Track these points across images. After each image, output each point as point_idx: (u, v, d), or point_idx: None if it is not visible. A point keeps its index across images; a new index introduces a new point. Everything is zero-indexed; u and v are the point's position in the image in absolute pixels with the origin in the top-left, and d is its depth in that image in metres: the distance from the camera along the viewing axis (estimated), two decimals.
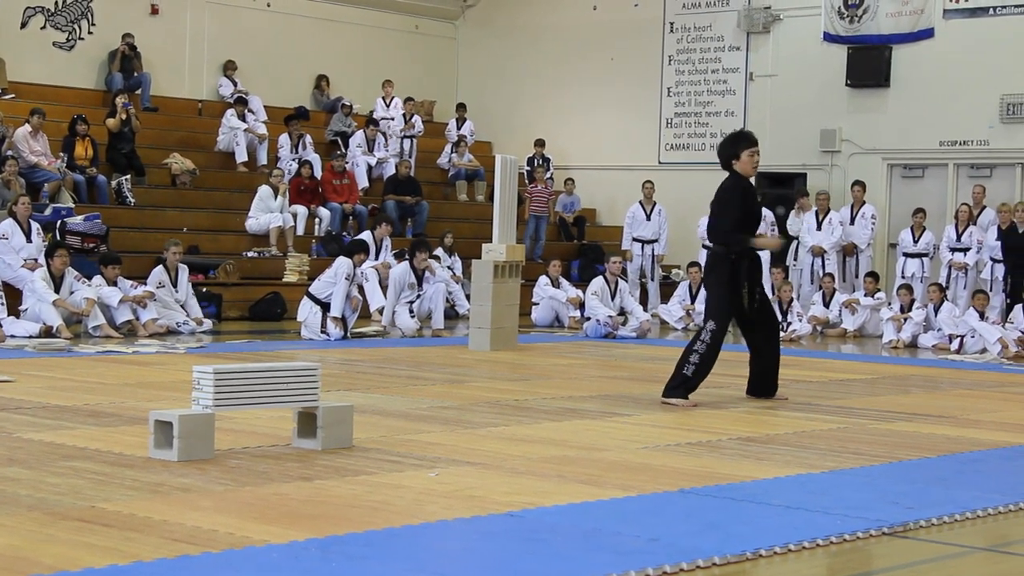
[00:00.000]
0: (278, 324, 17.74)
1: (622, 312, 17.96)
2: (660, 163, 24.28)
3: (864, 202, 20.85)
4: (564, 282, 19.62)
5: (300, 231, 20.44)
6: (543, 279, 19.36)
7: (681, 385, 10.15)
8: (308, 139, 22.37)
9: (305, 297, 15.96)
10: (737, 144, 10.42)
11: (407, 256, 17.68)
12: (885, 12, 21.81)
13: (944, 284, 19.25)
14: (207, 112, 23.12)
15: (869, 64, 21.88)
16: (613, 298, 17.96)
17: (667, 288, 21.90)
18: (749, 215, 10.39)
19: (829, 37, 22.38)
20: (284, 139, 22.17)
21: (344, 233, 20.71)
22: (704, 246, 21.00)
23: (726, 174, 10.52)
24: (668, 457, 7.70)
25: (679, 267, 22.34)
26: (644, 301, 21.43)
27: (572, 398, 10.53)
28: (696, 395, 10.28)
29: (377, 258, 18.83)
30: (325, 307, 15.67)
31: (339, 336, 15.54)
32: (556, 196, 24.40)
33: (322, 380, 7.69)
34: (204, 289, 17.63)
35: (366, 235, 19.10)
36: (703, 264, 11.02)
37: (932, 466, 7.74)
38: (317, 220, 20.96)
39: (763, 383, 10.67)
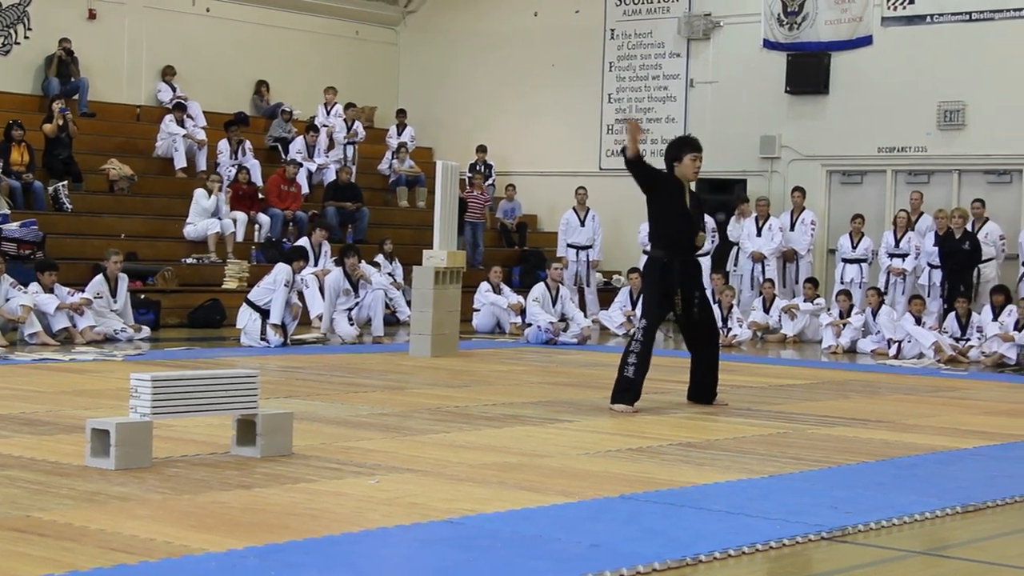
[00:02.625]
0: (217, 331, 17.64)
1: (563, 318, 17.99)
2: (601, 169, 24.34)
3: (804, 208, 20.99)
4: (505, 288, 19.61)
5: (240, 237, 20.34)
6: (484, 285, 19.35)
7: (627, 390, 10.21)
8: (248, 145, 22.26)
9: (244, 304, 15.87)
10: (681, 148, 10.59)
11: (338, 262, 17.64)
12: (824, 19, 21.97)
13: (883, 289, 19.42)
14: (145, 118, 22.95)
15: (808, 71, 22.04)
16: (554, 304, 17.99)
17: (606, 294, 21.97)
18: (668, 206, 10.46)
19: (769, 44, 22.52)
20: (223, 145, 22.05)
21: (284, 239, 20.63)
22: (645, 251, 21.09)
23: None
24: (609, 463, 7.72)
25: (620, 273, 22.41)
26: (582, 307, 21.46)
27: (513, 404, 10.53)
28: (638, 401, 10.31)
29: (317, 264, 18.77)
30: (264, 314, 15.59)
31: (279, 343, 15.47)
32: (495, 202, 24.41)
33: (261, 387, 7.65)
34: (142, 296, 17.51)
35: (303, 241, 19.04)
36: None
37: (870, 471, 7.81)
38: (257, 226, 20.87)
39: (703, 389, 10.73)
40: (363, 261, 17.93)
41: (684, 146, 10.58)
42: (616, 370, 10.33)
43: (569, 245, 22.25)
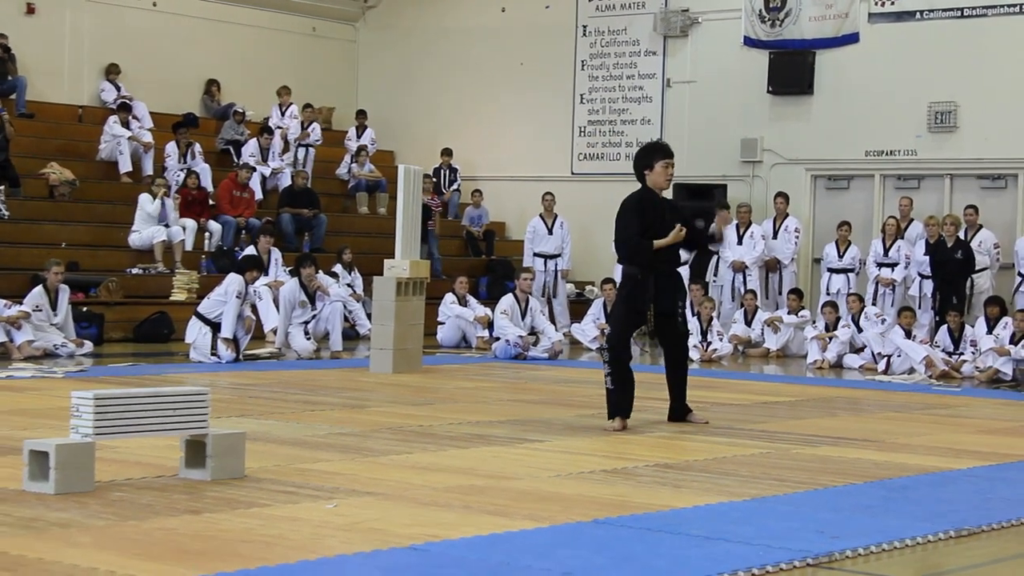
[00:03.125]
0: (165, 346, 17.59)
1: (533, 332, 17.99)
2: (573, 174, 24.37)
3: (787, 215, 21.06)
4: (472, 300, 19.61)
5: (188, 246, 20.28)
6: (449, 297, 19.34)
7: (611, 403, 10.33)
8: (197, 148, 22.20)
9: (194, 317, 15.83)
10: (651, 155, 10.56)
11: (294, 272, 17.60)
12: (808, 16, 22.06)
13: (872, 301, 19.49)
14: (88, 119, 22.86)
15: (792, 70, 22.11)
16: (524, 317, 17.99)
17: (576, 306, 21.99)
18: (650, 230, 10.43)
19: (750, 42, 22.59)
20: (171, 148, 21.98)
21: (236, 248, 20.57)
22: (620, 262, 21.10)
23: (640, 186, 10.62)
24: (581, 485, 7.72)
25: (593, 284, 22.43)
26: (551, 320, 21.47)
27: (480, 423, 10.53)
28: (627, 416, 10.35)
29: (268, 274, 18.73)
30: (215, 327, 15.55)
31: (230, 358, 15.42)
32: (460, 209, 24.41)
33: (212, 406, 7.63)
34: (84, 309, 17.44)
35: (252, 249, 19.01)
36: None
37: (858, 493, 7.82)
38: (207, 234, 20.81)
39: (676, 404, 10.79)
40: (320, 271, 17.89)
41: (655, 152, 10.58)
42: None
43: (536, 254, 22.27)
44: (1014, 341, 16.60)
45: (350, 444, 9.13)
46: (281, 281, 18.38)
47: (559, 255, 22.26)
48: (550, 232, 22.32)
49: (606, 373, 10.36)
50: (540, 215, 22.45)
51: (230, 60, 24.92)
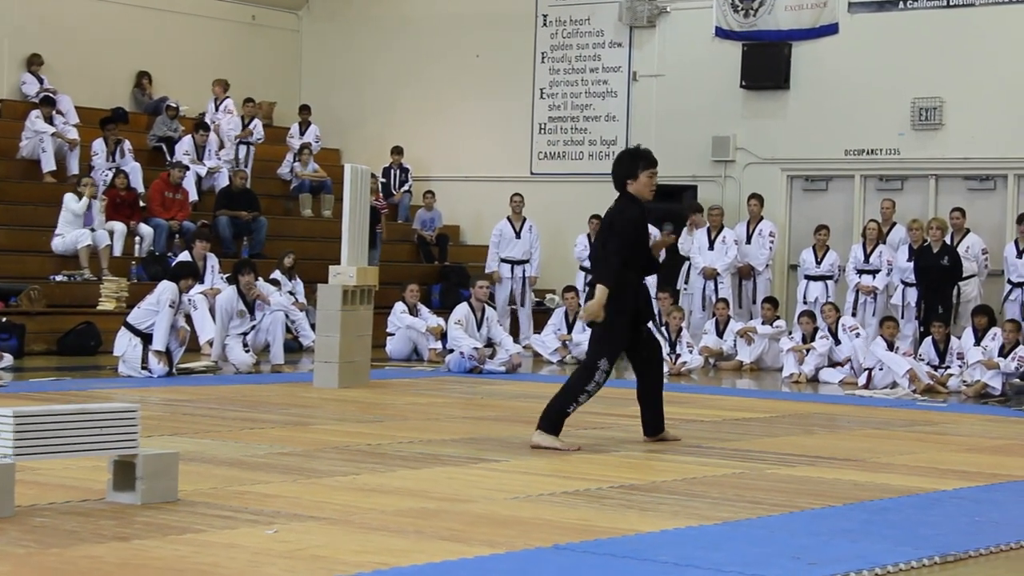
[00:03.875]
0: (91, 359, 17.50)
1: (489, 343, 17.99)
2: (532, 174, 24.40)
3: (761, 218, 21.13)
4: (423, 309, 19.59)
5: (117, 251, 20.19)
6: (399, 306, 19.32)
7: (559, 424, 10.27)
8: (127, 145, 22.11)
9: (123, 328, 15.75)
10: (635, 162, 10.57)
11: (232, 280, 17.56)
12: (784, 5, 22.14)
13: (852, 310, 19.57)
14: (8, 114, 22.74)
15: (766, 63, 22.19)
16: (479, 327, 17.99)
17: (541, 316, 21.99)
18: (637, 246, 10.47)
19: (722, 33, 22.68)
20: (99, 145, 21.88)
21: (169, 254, 20.50)
22: (582, 268, 21.14)
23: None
24: (541, 508, 7.72)
25: (554, 292, 22.45)
26: (515, 331, 21.49)
27: (432, 442, 10.52)
28: (574, 435, 10.33)
29: (204, 282, 18.67)
30: (146, 339, 15.49)
31: (163, 372, 15.36)
32: (411, 211, 24.40)
33: (142, 424, 7.59)
34: (4, 319, 17.34)
35: (187, 255, 18.95)
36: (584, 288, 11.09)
37: (837, 516, 7.85)
38: (137, 239, 20.72)
39: (655, 416, 10.80)
40: (260, 278, 17.85)
41: (640, 159, 10.58)
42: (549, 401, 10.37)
43: (503, 260, 22.27)
44: (1003, 353, 16.69)
45: (292, 465, 9.10)
46: (218, 289, 18.33)
47: (527, 261, 22.26)
48: (518, 236, 22.32)
49: (580, 400, 10.29)
50: (508, 218, 22.44)
51: (163, 51, 24.83)
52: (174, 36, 25.01)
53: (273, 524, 7.01)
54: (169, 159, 22.69)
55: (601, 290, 10.18)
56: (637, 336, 10.55)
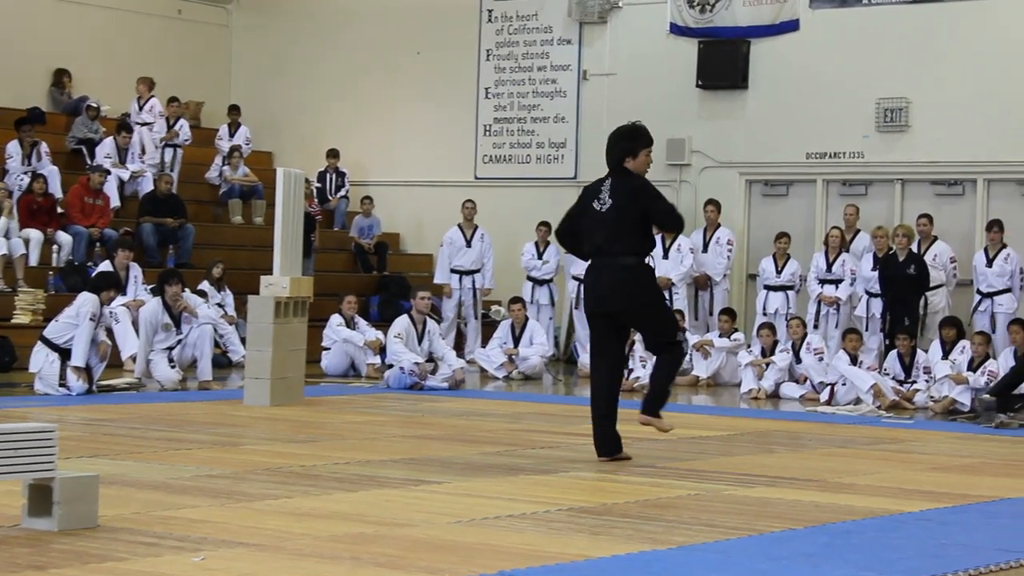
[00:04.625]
0: (5, 376, 17.39)
1: (431, 358, 17.98)
2: (477, 178, 24.41)
3: (719, 225, 21.21)
4: (361, 322, 19.57)
5: (33, 261, 20.09)
6: (335, 319, 19.30)
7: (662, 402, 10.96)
8: (44, 148, 22.00)
9: (39, 342, 15.67)
10: (637, 140, 10.96)
11: (156, 291, 17.49)
12: (742, 0, 22.24)
13: (814, 322, 19.66)
14: None
15: (724, 62, 22.28)
16: (420, 341, 17.97)
17: (487, 329, 21.98)
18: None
19: (677, 29, 22.76)
20: (13, 147, 21.77)
21: (89, 264, 20.41)
22: (530, 277, 21.14)
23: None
24: (485, 533, 7.73)
25: (500, 304, 22.46)
26: (461, 345, 21.50)
27: (370, 463, 10.51)
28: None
29: (127, 293, 18.59)
30: (65, 354, 15.41)
31: (82, 390, 15.28)
32: (348, 218, 24.37)
33: (60, 445, 7.55)
34: None
35: (107, 265, 18.86)
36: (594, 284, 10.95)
37: (798, 539, 7.89)
38: (55, 247, 20.62)
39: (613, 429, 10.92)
40: (187, 289, 17.78)
41: (640, 137, 11.00)
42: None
43: (452, 270, 22.25)
44: (972, 367, 16.80)
45: (220, 488, 9.08)
46: (141, 301, 18.26)
47: (478, 271, 22.25)
48: (468, 244, 22.31)
49: (673, 370, 11.04)
50: (458, 225, 22.41)
51: (83, 47, 24.73)
52: (95, 31, 24.91)
53: (200, 551, 6.99)
54: (89, 162, 22.58)
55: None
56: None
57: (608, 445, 10.81)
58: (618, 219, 10.72)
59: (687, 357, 19.51)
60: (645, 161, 10.96)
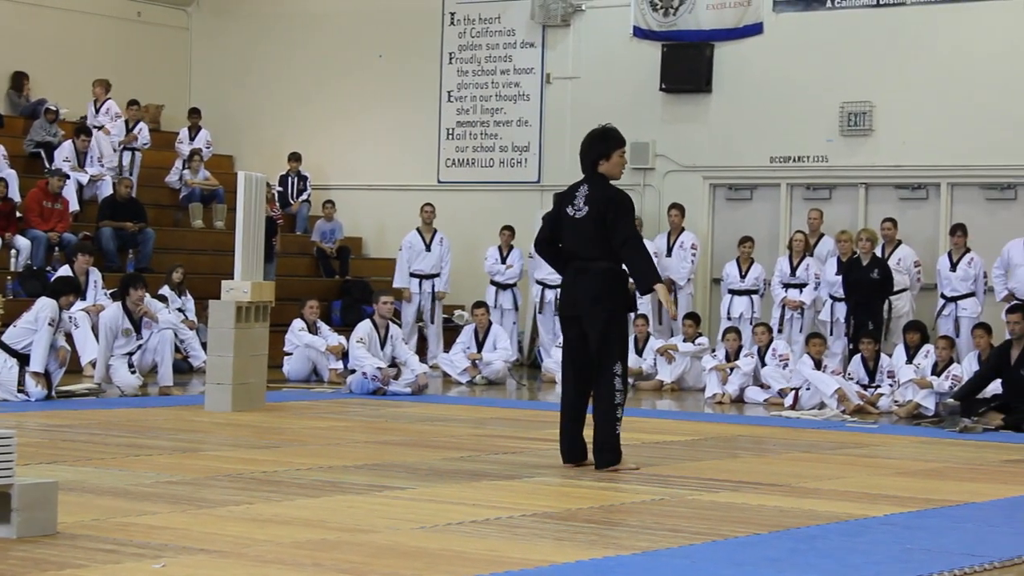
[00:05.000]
0: None
1: (394, 363, 17.97)
2: (439, 182, 24.39)
3: (682, 229, 21.25)
4: (323, 327, 19.55)
5: None
6: (297, 323, 19.27)
7: (617, 447, 10.62)
8: (2, 151, 21.89)
9: None
10: (608, 142, 11.05)
11: (118, 295, 17.43)
12: (706, 4, 22.28)
13: (778, 326, 19.69)
14: None
15: (687, 65, 22.32)
16: (383, 346, 17.97)
17: (450, 333, 21.98)
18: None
19: (640, 32, 22.80)
20: None
21: (48, 268, 20.33)
22: (493, 282, 21.15)
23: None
24: (449, 539, 7.72)
25: (463, 308, 22.46)
26: (422, 350, 21.48)
27: (333, 469, 10.50)
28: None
29: (87, 298, 18.52)
30: (23, 360, 15.36)
31: (41, 396, 15.23)
32: (310, 222, 24.34)
33: (18, 451, 7.52)
34: None
35: (67, 270, 18.79)
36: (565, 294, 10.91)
37: (762, 544, 7.90)
38: (13, 252, 20.54)
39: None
40: (148, 294, 17.73)
41: (612, 139, 11.06)
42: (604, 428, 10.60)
43: (412, 274, 22.22)
44: (936, 372, 16.86)
45: (181, 494, 9.05)
46: (101, 306, 18.20)
47: (437, 275, 22.23)
48: (428, 248, 22.30)
49: (619, 416, 10.61)
50: (417, 229, 22.40)
51: (41, 50, 24.63)
52: (54, 34, 24.81)
53: (160, 558, 6.96)
54: (48, 166, 22.50)
55: (661, 288, 10.83)
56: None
57: (574, 452, 10.81)
58: (595, 227, 10.74)
59: (650, 363, 19.56)
60: (619, 162, 11.04)
